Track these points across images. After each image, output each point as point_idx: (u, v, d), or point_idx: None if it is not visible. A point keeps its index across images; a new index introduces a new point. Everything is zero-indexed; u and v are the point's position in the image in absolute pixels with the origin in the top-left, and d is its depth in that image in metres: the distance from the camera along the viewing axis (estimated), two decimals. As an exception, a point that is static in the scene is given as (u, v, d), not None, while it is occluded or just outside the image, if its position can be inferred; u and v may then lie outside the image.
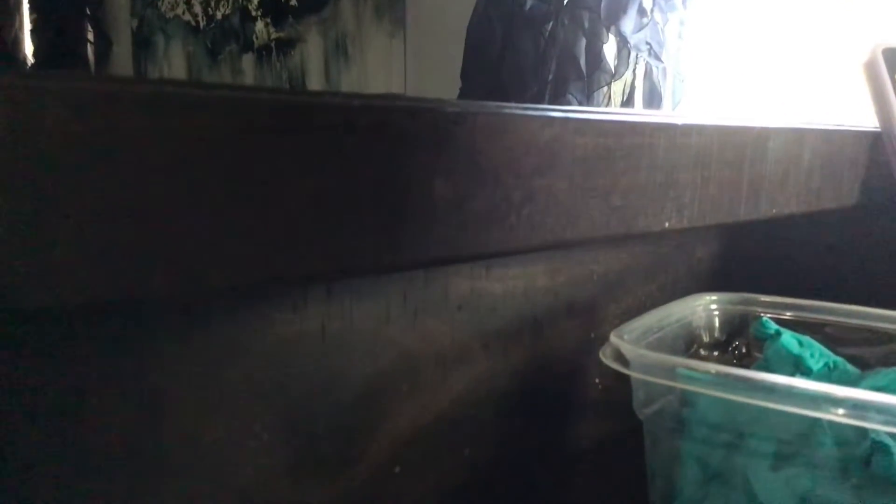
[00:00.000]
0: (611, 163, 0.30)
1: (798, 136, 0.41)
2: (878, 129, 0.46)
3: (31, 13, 1.64)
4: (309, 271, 0.22)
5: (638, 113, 0.36)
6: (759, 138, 0.38)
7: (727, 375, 0.29)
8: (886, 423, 0.26)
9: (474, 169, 0.25)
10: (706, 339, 0.39)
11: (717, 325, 0.40)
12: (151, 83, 0.19)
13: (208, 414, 0.26)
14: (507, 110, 0.26)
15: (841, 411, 0.26)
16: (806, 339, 0.36)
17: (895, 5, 0.70)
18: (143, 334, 0.24)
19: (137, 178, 0.18)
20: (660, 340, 0.35)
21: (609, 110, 0.34)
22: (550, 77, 0.96)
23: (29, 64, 1.64)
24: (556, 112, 0.28)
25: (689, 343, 0.38)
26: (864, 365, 0.35)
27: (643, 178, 0.32)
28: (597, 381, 0.41)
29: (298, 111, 0.21)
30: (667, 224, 0.34)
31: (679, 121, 0.34)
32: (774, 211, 0.40)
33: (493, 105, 0.26)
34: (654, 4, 0.93)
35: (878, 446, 0.28)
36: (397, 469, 0.32)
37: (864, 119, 0.48)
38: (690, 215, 0.35)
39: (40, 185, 0.17)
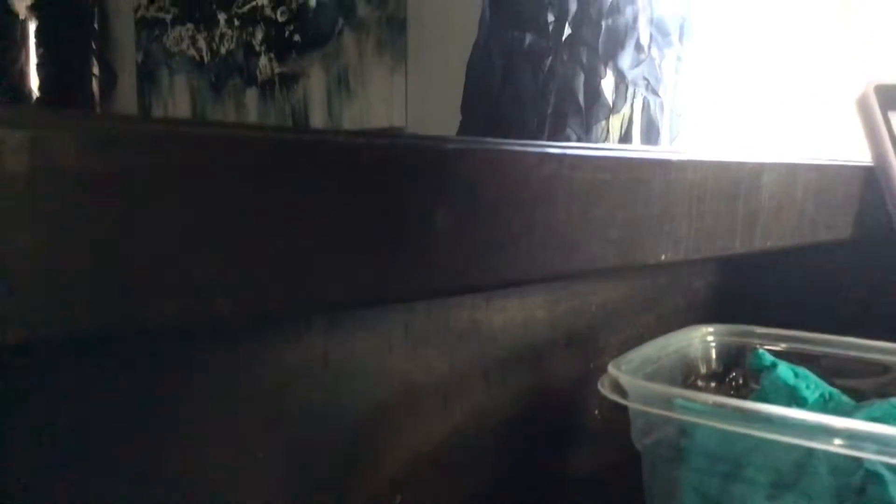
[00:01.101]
0: (607, 197, 0.31)
1: (792, 171, 0.42)
2: (871, 164, 0.47)
3: (36, 47, 1.66)
4: (312, 302, 0.23)
5: (634, 149, 0.37)
6: (753, 173, 0.39)
7: (724, 406, 0.29)
8: (881, 452, 0.26)
9: (474, 203, 0.26)
10: (703, 370, 0.40)
11: (713, 356, 0.40)
12: (160, 122, 0.20)
13: (210, 440, 0.26)
14: (506, 146, 0.27)
15: (836, 441, 0.27)
16: (801, 370, 0.36)
17: (887, 43, 0.71)
18: (145, 361, 0.24)
19: (145, 213, 0.19)
20: (657, 371, 0.35)
21: (605, 146, 0.35)
22: (549, 111, 0.97)
23: (34, 97, 1.66)
24: (554, 148, 0.29)
25: (686, 374, 0.39)
26: (859, 396, 0.36)
27: (639, 212, 0.33)
28: (595, 411, 0.41)
29: (303, 149, 0.22)
30: (663, 257, 0.34)
31: (674, 156, 0.35)
32: (769, 244, 0.41)
33: (492, 141, 0.27)
34: (651, 40, 0.95)
35: (872, 476, 0.28)
36: (398, 498, 0.32)
37: (859, 153, 0.49)
38: (686, 248, 0.35)
39: (51, 219, 0.17)
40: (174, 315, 0.20)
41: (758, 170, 0.39)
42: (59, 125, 0.17)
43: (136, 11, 1.60)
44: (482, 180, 0.26)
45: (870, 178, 0.47)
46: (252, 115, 1.36)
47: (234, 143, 0.20)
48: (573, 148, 0.30)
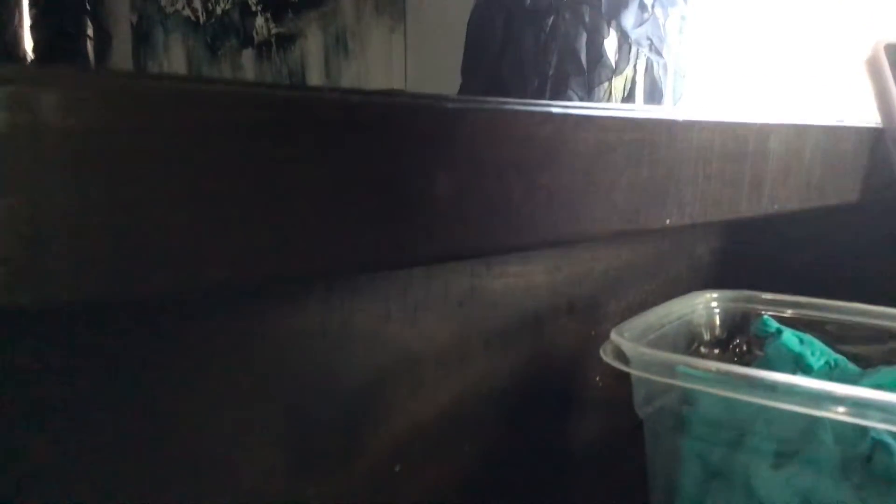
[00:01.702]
0: (612, 159, 0.30)
1: (799, 133, 0.41)
2: (880, 126, 0.46)
3: (30, 9, 1.63)
4: (308, 269, 0.22)
5: (639, 109, 0.36)
6: (760, 134, 0.38)
7: (728, 373, 0.29)
8: (887, 421, 0.26)
9: (474, 165, 0.25)
10: (707, 336, 0.39)
11: (717, 322, 0.39)
12: (148, 78, 0.19)
13: (207, 412, 0.26)
14: (508, 106, 0.26)
15: (841, 409, 0.26)
16: (807, 337, 0.36)
17: (897, 1, 0.69)
18: (140, 332, 0.24)
19: (135, 174, 0.18)
20: (660, 338, 0.35)
21: (610, 106, 0.34)
22: (551, 72, 0.96)
23: (29, 60, 1.64)
24: (557, 108, 0.28)
25: (689, 341, 0.38)
26: (865, 363, 0.35)
27: (644, 175, 0.32)
28: (597, 378, 0.41)
29: (297, 107, 0.21)
30: (668, 221, 0.34)
31: (680, 117, 0.34)
32: (776, 207, 0.40)
33: (493, 101, 0.26)
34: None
35: (879, 445, 0.27)
36: (398, 467, 0.32)
37: (867, 115, 0.47)
38: (692, 212, 0.35)
39: (37, 182, 0.16)
40: (164, 284, 0.19)
41: (765, 131, 0.38)
42: (40, 81, 0.16)
43: (129, -30, 1.57)
44: (483, 141, 0.25)
45: (878, 139, 0.46)
46: (249, 77, 1.35)
47: (224, 100, 0.19)
48: (576, 108, 0.29)
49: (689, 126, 0.34)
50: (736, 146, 0.37)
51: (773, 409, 0.28)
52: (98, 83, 0.17)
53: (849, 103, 0.69)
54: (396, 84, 1.17)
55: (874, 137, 0.47)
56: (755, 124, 0.38)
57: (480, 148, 0.25)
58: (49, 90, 0.16)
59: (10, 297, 0.17)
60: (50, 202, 0.17)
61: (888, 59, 0.46)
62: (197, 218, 0.19)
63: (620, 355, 0.31)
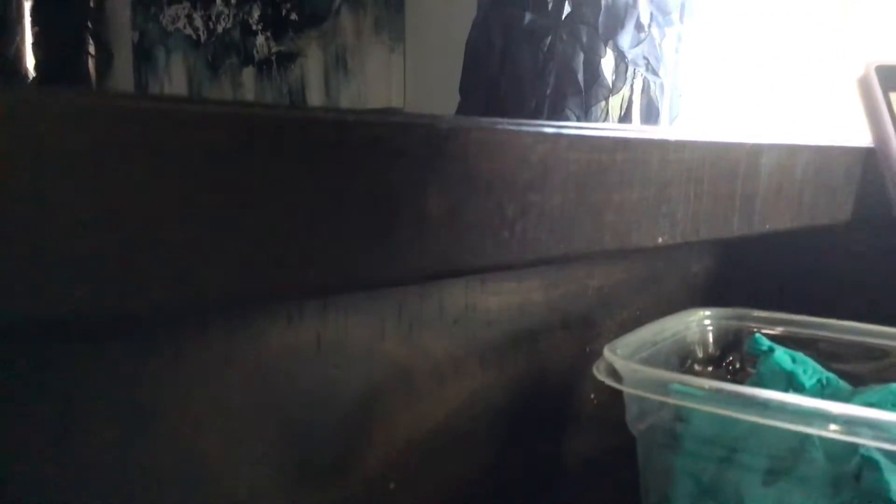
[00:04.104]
0: (604, 178, 0.31)
1: (791, 152, 0.42)
2: (872, 146, 0.46)
3: (32, 27, 1.64)
4: (302, 286, 0.22)
5: (630, 129, 0.36)
6: (751, 154, 0.39)
7: (721, 391, 0.29)
8: (877, 439, 0.26)
9: (468, 184, 0.26)
10: (700, 354, 0.39)
11: (710, 340, 0.40)
12: (149, 99, 0.19)
13: (202, 425, 0.26)
14: (501, 126, 0.27)
15: (832, 427, 0.26)
16: (799, 355, 0.36)
17: (888, 23, 0.70)
18: (136, 346, 0.24)
19: (134, 193, 0.18)
20: (653, 355, 0.35)
21: (602, 126, 0.35)
22: (549, 91, 0.96)
23: (31, 78, 1.65)
24: (549, 128, 0.28)
25: (682, 358, 0.38)
26: (857, 380, 0.35)
27: (636, 194, 0.32)
28: (591, 395, 0.41)
29: (293, 127, 0.21)
30: (660, 240, 0.34)
31: (671, 136, 0.34)
32: (768, 226, 0.40)
33: (486, 121, 0.26)
34: (651, 19, 0.94)
35: (868, 462, 0.28)
36: (392, 484, 0.32)
37: (859, 135, 0.48)
38: (683, 231, 0.35)
39: (38, 198, 0.17)
40: (158, 299, 0.19)
41: (757, 151, 0.39)
42: (33, 100, 0.17)
43: (131, -10, 1.59)
44: (476, 160, 0.26)
45: (870, 159, 0.47)
46: (249, 95, 1.35)
47: (219, 120, 0.20)
48: (569, 128, 0.29)
49: (681, 146, 0.34)
50: (728, 166, 0.37)
51: (765, 426, 0.28)
52: (99, 104, 0.18)
53: (840, 123, 0.70)
54: (396, 103, 1.18)
55: (865, 157, 0.47)
56: (747, 144, 0.38)
57: (473, 167, 0.26)
58: (51, 111, 0.17)
59: (9, 310, 0.17)
60: (47, 217, 0.17)
61: (879, 79, 0.47)
62: (192, 235, 0.20)
63: (613, 372, 0.32)
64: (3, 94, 0.16)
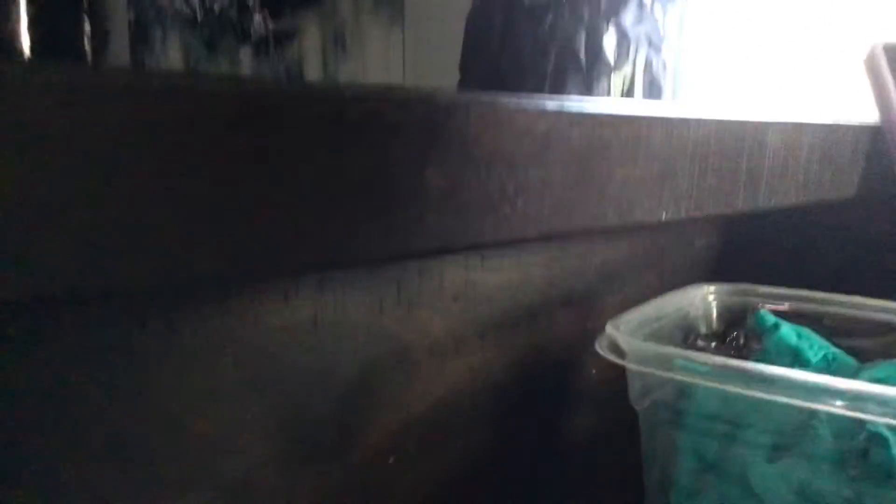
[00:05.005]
0: (607, 154, 0.30)
1: (797, 129, 0.41)
2: (878, 124, 0.46)
3: (27, 5, 1.63)
4: (299, 262, 0.22)
5: (634, 105, 0.35)
6: (757, 131, 0.38)
7: (725, 367, 0.29)
8: (884, 414, 0.26)
9: (467, 160, 0.25)
10: (704, 329, 0.39)
11: (714, 315, 0.39)
12: (137, 74, 0.19)
13: (199, 404, 0.26)
14: (501, 101, 0.26)
15: (839, 403, 0.26)
16: (804, 330, 0.36)
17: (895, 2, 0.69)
18: (131, 324, 0.24)
19: (124, 169, 0.18)
20: (657, 331, 0.35)
21: (605, 101, 0.34)
22: (550, 69, 0.95)
23: (26, 57, 1.64)
24: (551, 103, 0.28)
25: (686, 334, 0.38)
26: (862, 356, 0.35)
27: (640, 170, 0.32)
28: (593, 371, 0.41)
29: (289, 102, 0.21)
30: (664, 215, 0.33)
31: (675, 114, 0.33)
32: (773, 202, 0.40)
33: (486, 96, 0.26)
34: (653, -4, 0.93)
35: (875, 438, 0.27)
36: (391, 460, 0.32)
37: (866, 113, 0.47)
38: (688, 206, 0.35)
39: (23, 175, 0.16)
40: (154, 276, 0.19)
41: (762, 128, 0.38)
42: (16, 73, 0.16)
43: (127, -32, 1.57)
44: (476, 136, 0.25)
45: (876, 137, 0.46)
46: (247, 74, 1.34)
47: (215, 95, 0.19)
48: (572, 103, 0.29)
49: (686, 122, 0.34)
50: (732, 142, 0.37)
51: (770, 402, 0.28)
52: (85, 79, 0.17)
53: (848, 102, 0.69)
54: (395, 81, 1.17)
55: (872, 135, 0.47)
56: (752, 121, 0.38)
57: (473, 143, 0.25)
58: (36, 86, 0.16)
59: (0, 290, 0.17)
60: (42, 195, 0.17)
61: (886, 58, 0.46)
62: (188, 211, 0.19)
63: (616, 348, 0.31)
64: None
